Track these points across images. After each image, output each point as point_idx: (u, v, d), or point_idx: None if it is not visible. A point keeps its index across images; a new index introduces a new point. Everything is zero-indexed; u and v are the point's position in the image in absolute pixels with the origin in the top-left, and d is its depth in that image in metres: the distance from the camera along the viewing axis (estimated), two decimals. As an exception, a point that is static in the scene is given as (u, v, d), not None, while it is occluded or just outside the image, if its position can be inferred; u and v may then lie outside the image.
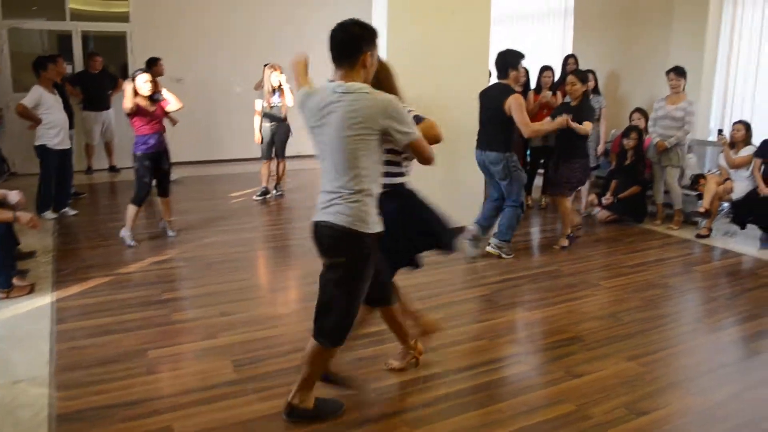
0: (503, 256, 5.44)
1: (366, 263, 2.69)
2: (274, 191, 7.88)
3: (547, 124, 5.67)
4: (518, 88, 7.26)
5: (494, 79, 5.53)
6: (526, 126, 5.13)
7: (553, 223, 6.88)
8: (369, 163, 2.61)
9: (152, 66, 8.27)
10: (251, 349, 3.62)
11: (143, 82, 5.59)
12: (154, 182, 5.88)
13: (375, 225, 2.68)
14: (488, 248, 5.49)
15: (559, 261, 5.46)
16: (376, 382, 3.29)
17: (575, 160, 5.69)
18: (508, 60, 5.21)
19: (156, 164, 5.79)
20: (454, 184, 6.06)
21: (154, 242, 5.87)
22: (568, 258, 5.54)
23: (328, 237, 2.67)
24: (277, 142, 7.59)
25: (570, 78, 5.73)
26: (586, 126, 5.50)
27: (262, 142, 7.58)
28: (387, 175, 3.00)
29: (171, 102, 5.86)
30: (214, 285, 4.71)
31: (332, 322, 2.73)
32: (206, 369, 3.37)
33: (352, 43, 2.64)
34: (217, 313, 4.16)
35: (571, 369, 3.47)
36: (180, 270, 5.12)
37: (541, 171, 7.85)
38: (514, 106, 5.08)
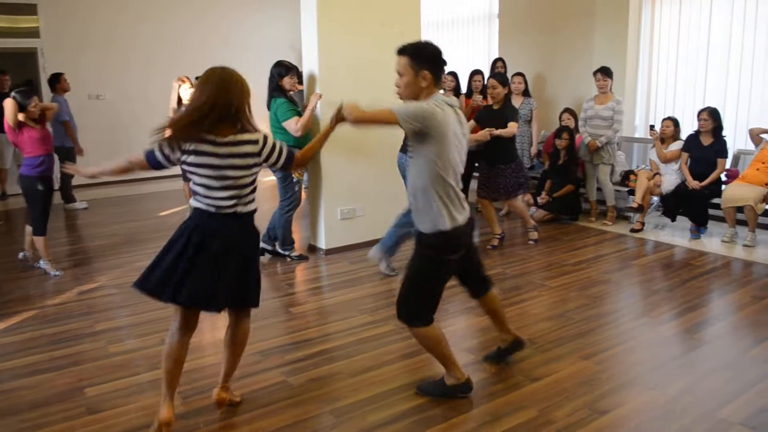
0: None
1: None
2: None
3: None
4: (448, 93, 7.32)
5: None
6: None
7: (488, 225, 6.90)
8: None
9: (56, 83, 7.86)
10: (197, 378, 3.42)
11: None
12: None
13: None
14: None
15: (502, 263, 5.47)
16: (335, 402, 3.17)
17: (507, 165, 5.72)
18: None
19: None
20: (386, 191, 5.97)
21: (80, 269, 5.54)
22: (510, 259, 5.57)
23: None
24: None
25: (490, 81, 5.79)
26: (512, 127, 5.55)
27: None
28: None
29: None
30: (151, 312, 4.44)
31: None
32: (151, 404, 3.14)
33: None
34: (157, 342, 3.92)
35: (529, 373, 3.45)
36: (112, 298, 4.82)
37: (476, 174, 7.89)
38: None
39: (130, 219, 7.54)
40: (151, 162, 2.78)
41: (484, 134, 5.42)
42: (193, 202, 2.81)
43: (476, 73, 7.52)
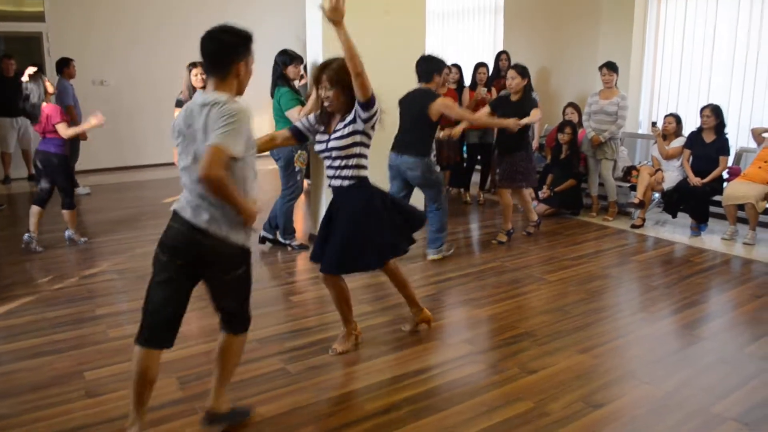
0: (446, 255, 5.39)
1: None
2: None
3: (494, 119, 5.64)
4: (452, 86, 7.31)
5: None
6: (468, 117, 5.00)
7: (492, 218, 6.93)
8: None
9: (64, 68, 7.87)
10: (195, 364, 3.45)
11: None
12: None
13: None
14: (430, 257, 5.32)
15: (502, 257, 5.48)
16: (329, 392, 3.19)
17: (517, 153, 5.73)
18: (433, 66, 5.10)
19: None
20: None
21: (82, 254, 5.57)
22: (510, 253, 5.58)
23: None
24: None
25: (510, 72, 5.72)
26: (535, 114, 5.52)
27: None
28: (360, 166, 3.35)
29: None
30: (152, 297, 4.47)
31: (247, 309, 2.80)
32: (150, 388, 3.18)
33: (222, 53, 2.50)
34: (157, 327, 3.95)
35: (525, 365, 3.47)
36: (113, 283, 4.85)
37: (478, 167, 7.91)
38: (445, 107, 4.98)
39: (131, 205, 7.56)
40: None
41: (513, 124, 5.39)
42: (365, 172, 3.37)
43: (480, 65, 7.50)
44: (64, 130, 5.48)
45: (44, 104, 5.50)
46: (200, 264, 2.60)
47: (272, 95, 5.43)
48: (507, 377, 3.34)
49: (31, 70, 5.69)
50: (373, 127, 3.32)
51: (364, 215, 3.38)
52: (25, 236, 5.67)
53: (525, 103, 5.59)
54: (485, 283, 4.85)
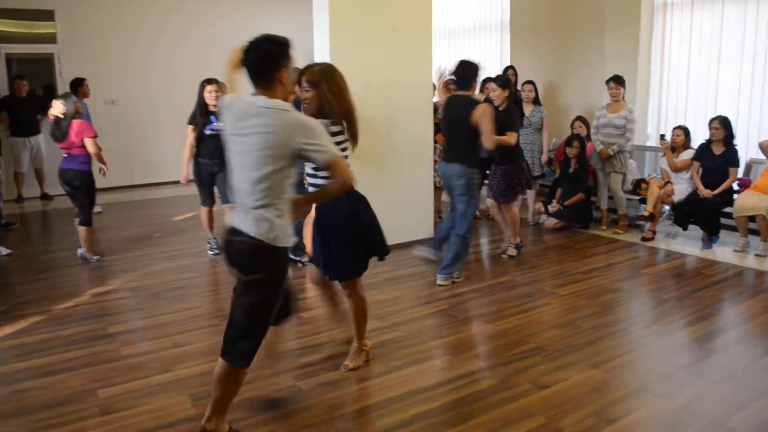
0: (456, 281, 5.24)
1: (281, 277, 2.66)
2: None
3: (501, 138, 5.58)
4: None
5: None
6: (490, 137, 4.86)
7: (501, 232, 6.92)
8: (280, 178, 2.55)
9: (78, 87, 7.97)
10: (208, 381, 3.41)
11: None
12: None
13: (287, 239, 2.63)
14: (438, 281, 5.14)
15: (512, 271, 5.48)
16: (341, 408, 3.19)
17: (515, 164, 5.77)
18: (469, 71, 5.04)
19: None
20: (400, 197, 6.06)
21: (94, 272, 5.61)
22: (520, 267, 5.57)
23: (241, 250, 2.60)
24: (220, 183, 5.77)
25: (490, 85, 5.76)
26: (510, 137, 5.46)
27: (194, 182, 6.00)
28: None
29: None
30: (164, 315, 4.50)
31: (249, 342, 2.65)
32: (163, 406, 3.19)
33: (267, 62, 2.56)
34: (169, 344, 3.97)
35: (537, 380, 3.46)
36: (125, 301, 4.88)
37: (486, 182, 7.91)
38: (482, 116, 4.84)
39: (142, 223, 7.61)
40: None
41: (512, 140, 5.51)
42: None
43: (488, 80, 7.53)
44: (92, 146, 5.62)
45: (73, 120, 5.62)
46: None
47: None
48: (519, 392, 3.33)
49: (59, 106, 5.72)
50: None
51: (350, 222, 3.42)
52: (79, 251, 5.93)
53: (507, 113, 5.54)
54: (496, 297, 4.85)
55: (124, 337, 4.15)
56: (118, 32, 9.69)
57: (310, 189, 3.42)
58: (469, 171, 4.95)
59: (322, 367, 3.65)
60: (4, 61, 9.01)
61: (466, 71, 5.05)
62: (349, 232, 3.43)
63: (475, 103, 4.97)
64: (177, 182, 9.65)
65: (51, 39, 9.31)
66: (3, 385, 3.45)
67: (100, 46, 9.53)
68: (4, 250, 6.17)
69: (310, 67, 3.35)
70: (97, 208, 8.22)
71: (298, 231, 5.58)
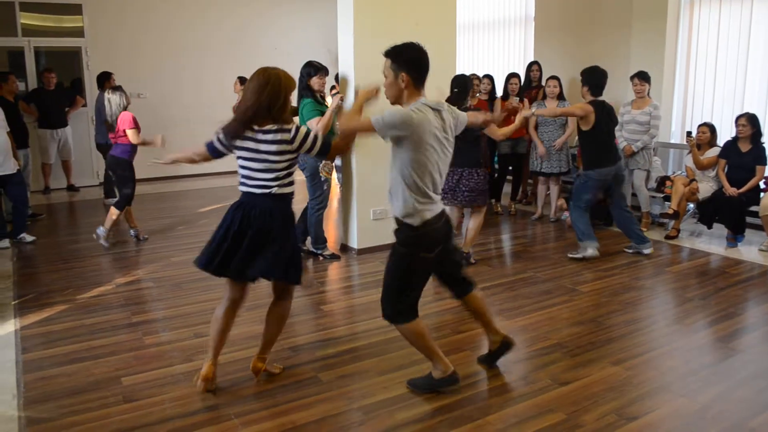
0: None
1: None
2: None
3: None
4: (483, 96, 7.33)
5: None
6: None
7: (524, 229, 6.90)
8: None
9: (105, 81, 8.08)
10: (229, 371, 3.49)
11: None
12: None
13: None
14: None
15: (533, 267, 5.46)
16: (360, 400, 3.21)
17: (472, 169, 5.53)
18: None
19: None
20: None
21: (119, 263, 5.69)
22: (541, 264, 5.55)
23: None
24: None
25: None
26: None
27: None
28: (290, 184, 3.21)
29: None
30: (187, 306, 4.56)
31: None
32: (185, 394, 3.24)
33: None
34: (191, 335, 4.03)
35: (558, 376, 3.45)
36: (149, 291, 4.95)
37: (509, 177, 7.89)
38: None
39: (167, 215, 7.69)
40: (212, 152, 3.21)
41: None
42: (240, 187, 3.17)
43: (512, 75, 7.50)
44: (134, 137, 5.93)
45: (121, 113, 5.95)
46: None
47: (297, 106, 5.49)
48: (539, 388, 3.32)
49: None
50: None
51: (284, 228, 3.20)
52: (131, 232, 6.45)
53: None
54: (516, 293, 4.83)
55: (147, 326, 4.20)
56: (146, 27, 9.81)
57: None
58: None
59: (342, 359, 3.68)
60: (33, 54, 9.15)
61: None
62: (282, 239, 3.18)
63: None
64: (203, 175, 9.82)
65: (79, 33, 9.44)
66: (29, 371, 3.52)
67: (127, 40, 9.65)
68: (29, 237, 6.32)
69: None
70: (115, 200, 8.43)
71: (318, 224, 5.64)
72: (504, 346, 3.55)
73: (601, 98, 5.49)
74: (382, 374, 3.49)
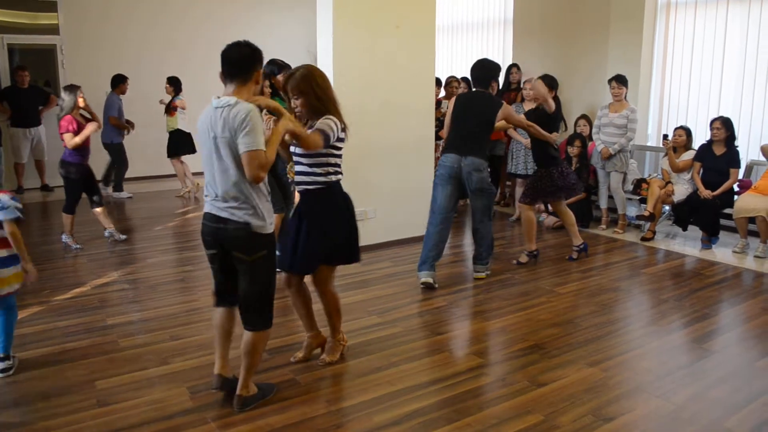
0: (487, 274, 5.26)
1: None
2: None
3: (543, 131, 5.48)
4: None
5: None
6: (525, 124, 5.32)
7: (502, 230, 6.93)
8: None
9: (119, 83, 8.35)
10: (206, 374, 3.45)
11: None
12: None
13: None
14: (478, 275, 5.19)
15: (511, 269, 5.48)
16: (338, 403, 3.20)
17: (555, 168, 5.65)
18: (490, 73, 5.21)
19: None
20: (402, 193, 6.07)
21: (94, 264, 5.61)
22: (519, 266, 5.57)
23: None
24: None
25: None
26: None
27: None
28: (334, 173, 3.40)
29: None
30: (162, 308, 4.51)
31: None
32: (161, 398, 3.20)
33: (246, 61, 2.91)
34: (167, 337, 3.98)
35: (535, 378, 3.46)
36: (124, 293, 4.88)
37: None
38: (510, 114, 5.11)
39: (145, 215, 7.61)
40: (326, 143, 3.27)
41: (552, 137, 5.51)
42: (339, 176, 3.44)
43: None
44: (69, 140, 5.74)
45: (64, 116, 5.77)
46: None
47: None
48: (516, 390, 3.33)
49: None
50: (340, 140, 3.37)
51: (329, 217, 3.41)
52: (105, 232, 6.37)
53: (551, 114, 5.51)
54: (494, 295, 4.85)
55: (122, 328, 4.14)
56: (122, 25, 9.67)
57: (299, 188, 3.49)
58: (485, 164, 5.02)
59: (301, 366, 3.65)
60: (6, 51, 8.99)
61: (485, 73, 5.18)
62: (330, 224, 3.42)
63: (500, 102, 5.10)
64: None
65: (54, 30, 9.29)
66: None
67: (103, 38, 9.53)
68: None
69: (291, 75, 3.32)
70: (125, 194, 8.65)
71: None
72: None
73: (482, 91, 5.17)
74: (361, 376, 3.48)
